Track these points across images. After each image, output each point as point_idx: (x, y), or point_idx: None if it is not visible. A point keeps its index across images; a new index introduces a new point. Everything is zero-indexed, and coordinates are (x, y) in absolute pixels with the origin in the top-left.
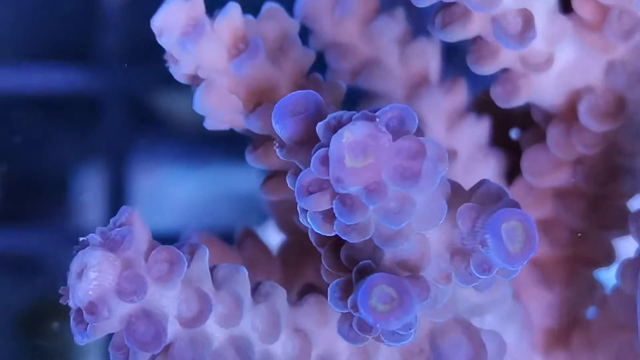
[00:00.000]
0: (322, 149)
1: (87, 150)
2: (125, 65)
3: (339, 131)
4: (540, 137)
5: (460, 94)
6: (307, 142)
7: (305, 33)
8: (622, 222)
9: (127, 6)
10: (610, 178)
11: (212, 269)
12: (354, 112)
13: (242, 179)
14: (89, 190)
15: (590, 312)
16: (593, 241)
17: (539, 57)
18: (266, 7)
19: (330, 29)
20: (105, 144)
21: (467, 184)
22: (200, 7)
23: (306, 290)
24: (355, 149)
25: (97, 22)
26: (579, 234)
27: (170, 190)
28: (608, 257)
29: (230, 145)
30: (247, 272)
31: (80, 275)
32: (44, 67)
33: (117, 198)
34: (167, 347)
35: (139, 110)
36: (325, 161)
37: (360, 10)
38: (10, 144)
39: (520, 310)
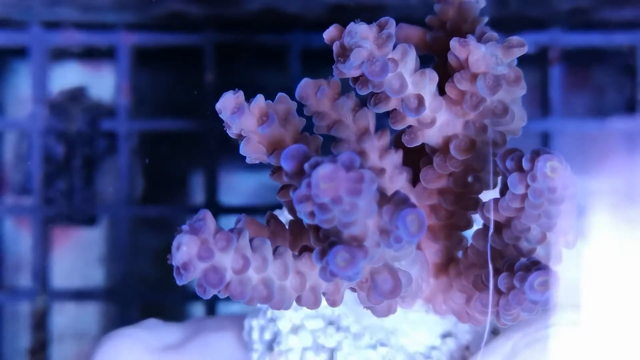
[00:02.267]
0: (307, 178)
1: (197, 157)
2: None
3: (316, 169)
4: (430, 161)
5: (386, 138)
6: (299, 173)
7: (301, 106)
8: (475, 206)
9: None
10: (467, 183)
11: (251, 240)
12: (325, 156)
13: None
14: (197, 181)
15: (460, 255)
16: (460, 216)
17: (427, 119)
18: (278, 95)
19: (314, 104)
20: (207, 154)
21: (391, 189)
22: (242, 96)
23: (303, 250)
24: (325, 178)
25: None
26: (452, 212)
27: (244, 183)
28: (469, 224)
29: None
30: (269, 242)
31: (177, 248)
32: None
33: (212, 189)
34: (227, 285)
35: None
36: (309, 185)
37: (330, 93)
38: (151, 147)
39: (420, 256)
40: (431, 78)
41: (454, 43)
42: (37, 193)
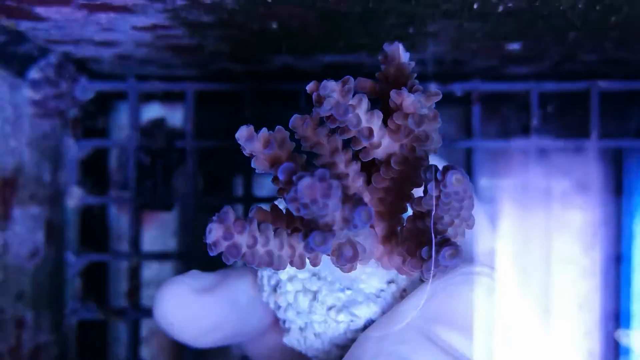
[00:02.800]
0: (294, 186)
1: (237, 165)
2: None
3: (301, 180)
4: (378, 170)
5: (349, 153)
6: (289, 182)
7: (292, 133)
8: (409, 199)
9: None
10: (403, 184)
11: (259, 224)
12: (307, 171)
13: None
14: (238, 181)
15: (398, 230)
16: (399, 205)
17: (375, 143)
18: (276, 127)
19: (301, 132)
20: (244, 163)
21: (353, 187)
22: (252, 128)
23: (295, 230)
24: (306, 187)
25: None
26: (393, 203)
27: (268, 181)
28: (404, 210)
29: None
30: (271, 225)
31: (209, 232)
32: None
33: (248, 186)
34: (243, 256)
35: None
36: (295, 191)
37: (312, 124)
38: (207, 159)
39: (372, 232)
40: (378, 116)
41: (392, 93)
42: (132, 189)
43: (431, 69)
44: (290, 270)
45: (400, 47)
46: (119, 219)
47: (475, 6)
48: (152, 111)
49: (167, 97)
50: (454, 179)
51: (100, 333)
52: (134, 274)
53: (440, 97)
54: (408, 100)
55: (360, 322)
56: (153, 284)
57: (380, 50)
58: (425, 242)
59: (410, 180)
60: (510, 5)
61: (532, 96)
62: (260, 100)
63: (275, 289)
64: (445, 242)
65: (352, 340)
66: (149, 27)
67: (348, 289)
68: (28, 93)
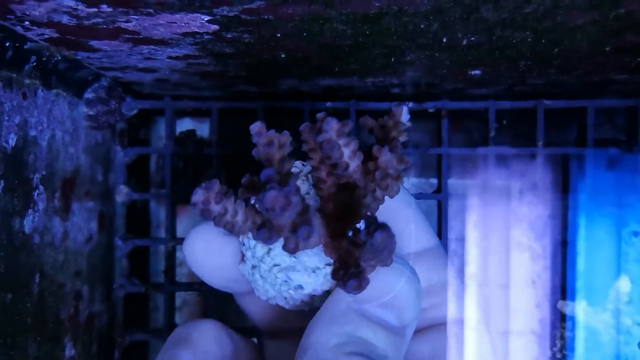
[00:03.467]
0: (264, 193)
1: (252, 167)
2: None
3: (269, 191)
4: (343, 189)
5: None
6: (264, 185)
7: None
8: (353, 227)
9: None
10: (353, 212)
11: (236, 198)
12: (276, 185)
13: None
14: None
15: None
16: (344, 224)
17: (349, 175)
18: (283, 132)
19: (305, 136)
20: (256, 165)
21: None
22: (262, 126)
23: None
24: (271, 197)
25: None
26: (340, 219)
27: None
28: (348, 226)
29: None
30: (243, 203)
31: (194, 194)
32: None
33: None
34: (213, 219)
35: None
36: (263, 196)
37: (313, 136)
38: (229, 163)
39: (319, 229)
40: (359, 157)
41: (375, 147)
42: (168, 187)
43: (409, 90)
44: None
45: (405, 109)
46: (158, 211)
47: (444, 40)
48: (184, 124)
49: (196, 113)
50: (380, 237)
51: (143, 303)
52: (170, 256)
53: (407, 165)
54: (383, 157)
55: (292, 284)
56: (184, 264)
57: (368, 74)
58: (349, 263)
59: (357, 214)
60: (472, 39)
61: (490, 112)
62: (271, 115)
63: (243, 242)
64: (356, 274)
65: (284, 291)
66: (182, 57)
67: (294, 256)
68: (84, 109)
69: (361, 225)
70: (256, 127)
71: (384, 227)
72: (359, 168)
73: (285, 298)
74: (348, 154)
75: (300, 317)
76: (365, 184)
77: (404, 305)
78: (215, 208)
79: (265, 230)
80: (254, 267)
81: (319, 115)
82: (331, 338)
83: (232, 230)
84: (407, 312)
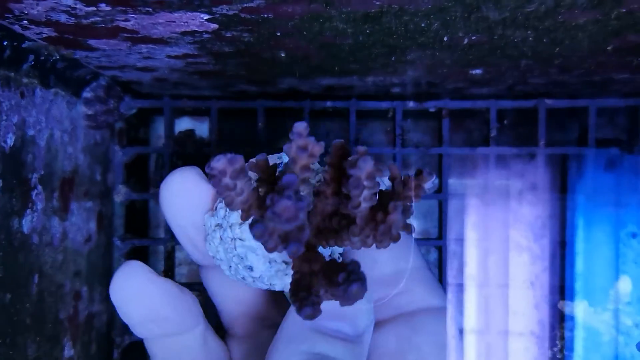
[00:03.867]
0: (278, 198)
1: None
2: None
3: (283, 199)
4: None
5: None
6: (281, 190)
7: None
8: (345, 241)
9: None
10: (341, 235)
11: (249, 178)
12: (296, 196)
13: None
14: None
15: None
16: (337, 240)
17: (355, 212)
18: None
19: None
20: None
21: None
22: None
23: (267, 191)
24: (281, 205)
25: None
26: (326, 232)
27: None
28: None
29: None
30: (254, 184)
31: (216, 160)
32: None
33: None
34: (219, 190)
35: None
36: (276, 201)
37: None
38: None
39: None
40: (372, 202)
41: (391, 204)
42: None
43: (410, 90)
44: None
45: (434, 177)
46: (157, 211)
47: (445, 39)
48: (183, 124)
49: (195, 113)
50: (355, 290)
51: None
52: (169, 256)
53: (412, 232)
54: (395, 216)
55: (245, 263)
56: (184, 264)
57: (368, 73)
58: (311, 288)
59: (339, 243)
60: (473, 38)
61: (491, 112)
62: (271, 115)
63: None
64: (314, 302)
65: (234, 262)
66: (181, 56)
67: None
68: (82, 109)
69: (341, 263)
70: (300, 127)
71: (362, 280)
72: (367, 211)
73: (230, 267)
74: (366, 196)
75: (261, 301)
76: (363, 226)
77: (356, 313)
78: (227, 181)
79: (260, 226)
80: (219, 225)
81: (360, 148)
82: (290, 359)
83: (229, 204)
84: (360, 319)
